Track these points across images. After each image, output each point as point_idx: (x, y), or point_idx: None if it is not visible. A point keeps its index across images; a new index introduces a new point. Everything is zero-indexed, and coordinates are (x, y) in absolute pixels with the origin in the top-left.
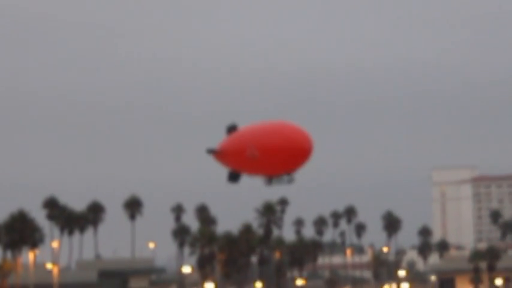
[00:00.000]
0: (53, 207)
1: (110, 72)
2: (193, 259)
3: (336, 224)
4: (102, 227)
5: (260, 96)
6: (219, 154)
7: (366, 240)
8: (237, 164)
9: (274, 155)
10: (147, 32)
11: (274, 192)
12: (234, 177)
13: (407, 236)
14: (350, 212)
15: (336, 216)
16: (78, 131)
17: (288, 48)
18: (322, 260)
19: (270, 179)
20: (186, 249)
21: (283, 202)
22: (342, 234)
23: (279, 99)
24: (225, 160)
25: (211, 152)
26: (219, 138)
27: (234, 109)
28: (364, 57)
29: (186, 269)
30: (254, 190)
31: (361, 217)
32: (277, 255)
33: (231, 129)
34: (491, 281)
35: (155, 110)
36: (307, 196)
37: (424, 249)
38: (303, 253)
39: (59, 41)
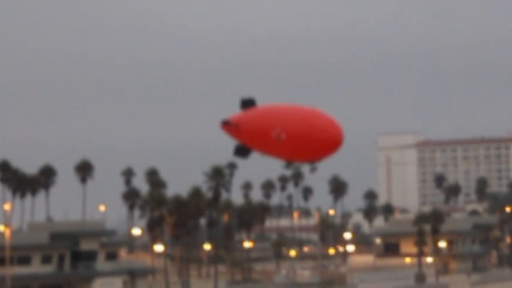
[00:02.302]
0: (6, 170)
1: (63, 33)
2: (143, 221)
3: (283, 188)
4: (54, 190)
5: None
6: (235, 128)
7: (313, 203)
8: (255, 143)
9: (303, 143)
10: None
11: (222, 157)
12: (242, 152)
13: (353, 200)
14: (297, 176)
15: (284, 180)
16: (31, 95)
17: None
18: (270, 223)
19: (290, 163)
20: (136, 212)
21: (232, 166)
22: (289, 197)
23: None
24: (241, 136)
25: (226, 123)
26: (166, 102)
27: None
28: (309, 24)
29: (136, 231)
30: (203, 154)
31: (308, 181)
32: (225, 218)
33: (248, 103)
34: (435, 243)
35: (107, 74)
36: (255, 160)
37: (369, 213)
38: (251, 216)
39: None
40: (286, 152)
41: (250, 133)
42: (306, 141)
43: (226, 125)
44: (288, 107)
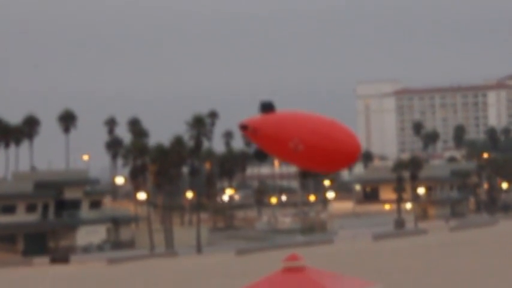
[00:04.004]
0: None
1: None
2: (126, 170)
3: None
4: (38, 140)
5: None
6: (253, 132)
7: None
8: (272, 151)
9: (320, 156)
10: None
11: (203, 105)
12: (261, 156)
13: None
14: None
15: None
16: (15, 45)
17: None
18: (251, 171)
19: (305, 174)
20: (119, 161)
21: (213, 115)
22: None
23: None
24: (259, 141)
25: (244, 128)
26: (149, 52)
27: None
28: None
29: (119, 180)
30: (184, 103)
31: None
32: (207, 166)
33: (268, 107)
34: (414, 189)
35: (92, 24)
36: (235, 109)
37: None
38: (232, 164)
39: None
40: (302, 162)
41: (267, 141)
42: (324, 154)
43: (245, 129)
44: (307, 117)
